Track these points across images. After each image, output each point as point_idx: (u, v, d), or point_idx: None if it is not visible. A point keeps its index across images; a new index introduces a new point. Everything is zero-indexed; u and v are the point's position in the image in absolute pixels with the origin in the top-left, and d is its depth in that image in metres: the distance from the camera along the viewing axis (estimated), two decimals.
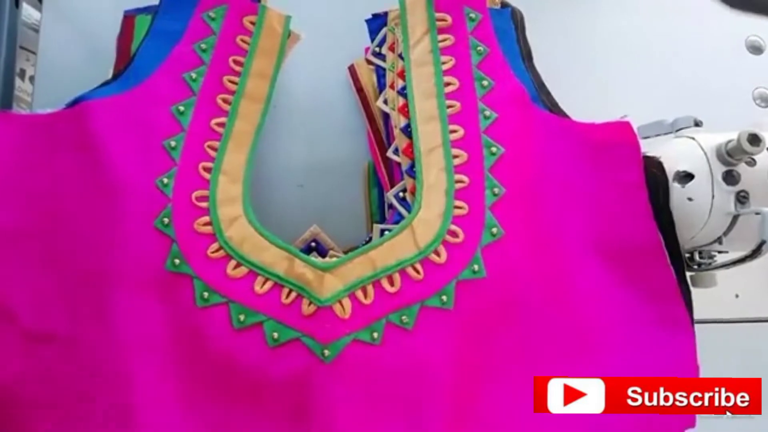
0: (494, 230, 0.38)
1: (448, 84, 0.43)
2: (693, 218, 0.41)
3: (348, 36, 0.50)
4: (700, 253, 0.44)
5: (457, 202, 0.39)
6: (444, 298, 0.37)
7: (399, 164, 0.44)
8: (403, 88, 0.45)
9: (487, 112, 0.41)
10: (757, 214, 0.39)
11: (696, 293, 0.42)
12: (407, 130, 0.44)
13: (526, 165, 0.41)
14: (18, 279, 0.36)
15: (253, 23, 0.43)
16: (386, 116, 0.47)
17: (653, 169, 0.42)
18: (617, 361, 0.40)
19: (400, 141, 0.44)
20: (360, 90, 0.50)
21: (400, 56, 0.46)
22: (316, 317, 0.36)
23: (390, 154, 0.45)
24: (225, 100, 0.41)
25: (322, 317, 0.36)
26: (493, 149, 0.40)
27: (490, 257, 0.38)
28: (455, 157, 0.40)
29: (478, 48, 0.43)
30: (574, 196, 0.42)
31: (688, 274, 0.43)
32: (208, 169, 0.38)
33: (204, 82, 0.41)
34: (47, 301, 0.36)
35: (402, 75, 0.45)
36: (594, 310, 0.41)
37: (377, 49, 0.49)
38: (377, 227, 0.43)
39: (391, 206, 0.44)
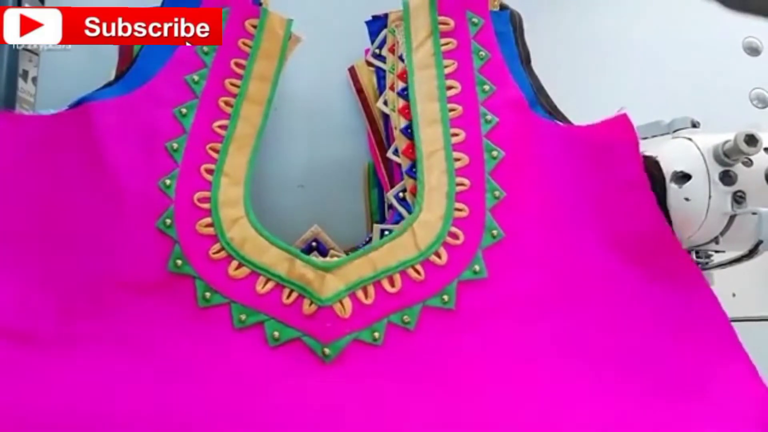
0: (494, 232, 0.39)
1: (450, 87, 0.43)
2: (690, 218, 0.41)
3: (348, 38, 0.51)
4: (697, 252, 0.44)
5: (458, 205, 0.39)
6: (445, 297, 0.37)
7: (399, 165, 0.44)
8: (403, 89, 0.45)
9: (488, 117, 0.42)
10: (754, 214, 0.39)
11: None
12: (407, 132, 0.44)
13: (527, 168, 0.41)
14: (6, 278, 0.36)
15: (254, 26, 0.44)
16: (386, 117, 0.48)
17: (650, 169, 0.42)
18: (643, 356, 0.39)
19: (399, 142, 0.44)
20: (360, 91, 0.50)
21: (401, 58, 0.46)
22: (316, 317, 0.36)
23: (390, 154, 0.46)
24: (227, 103, 0.41)
25: (323, 316, 0.36)
26: (494, 153, 0.41)
27: (491, 258, 0.38)
28: (456, 160, 0.41)
29: (480, 53, 0.44)
30: (577, 196, 0.42)
31: None
32: (210, 171, 0.39)
33: (206, 85, 0.41)
34: (36, 301, 0.36)
35: (402, 77, 0.46)
36: (616, 306, 0.40)
37: (377, 51, 0.49)
38: (377, 227, 0.43)
39: (391, 206, 0.44)
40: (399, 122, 0.45)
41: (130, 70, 0.41)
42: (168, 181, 0.37)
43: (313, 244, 0.44)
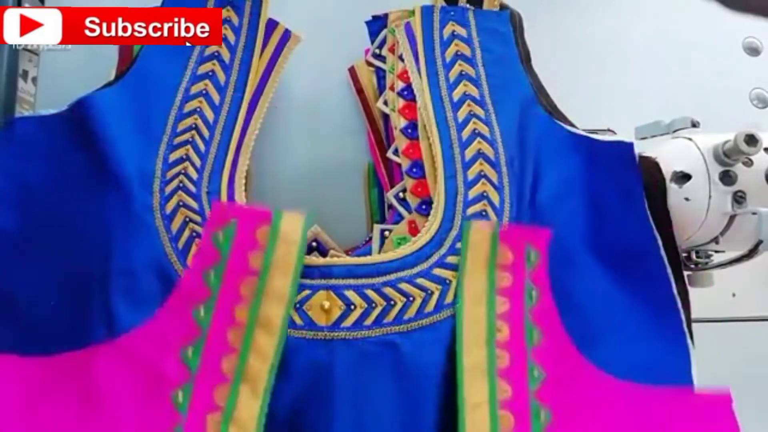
0: None
1: (498, 330, 0.38)
2: (690, 218, 0.41)
3: (348, 38, 0.51)
4: (697, 252, 0.44)
5: None
6: None
7: (399, 165, 0.44)
8: (403, 89, 0.45)
9: (536, 372, 0.38)
10: (754, 214, 0.39)
11: (693, 293, 0.42)
12: (407, 131, 0.44)
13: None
14: None
15: (266, 234, 0.38)
16: (386, 117, 0.48)
17: (650, 169, 0.43)
18: None
19: (399, 142, 0.44)
20: (360, 91, 0.51)
21: (400, 58, 0.46)
22: None
23: (390, 154, 0.46)
24: (236, 335, 0.36)
25: None
26: (542, 415, 0.37)
27: None
28: (502, 419, 0.36)
29: (533, 293, 0.40)
30: None
31: (685, 273, 0.43)
32: (217, 423, 0.35)
33: (213, 317, 0.36)
34: None
35: (402, 77, 0.46)
36: None
37: (377, 51, 0.49)
38: (377, 227, 0.43)
39: (391, 206, 0.44)
40: (399, 122, 0.45)
41: (130, 70, 0.41)
42: None
43: (313, 244, 0.44)
